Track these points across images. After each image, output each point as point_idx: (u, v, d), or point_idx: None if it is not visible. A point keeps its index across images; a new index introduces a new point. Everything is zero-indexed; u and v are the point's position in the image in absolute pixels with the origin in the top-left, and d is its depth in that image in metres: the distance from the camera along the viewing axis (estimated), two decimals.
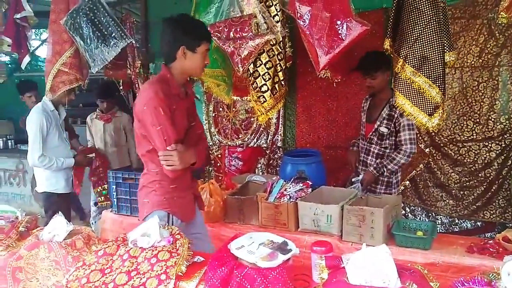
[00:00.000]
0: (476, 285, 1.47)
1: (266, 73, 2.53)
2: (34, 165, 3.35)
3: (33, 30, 5.22)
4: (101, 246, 1.87)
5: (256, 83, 2.57)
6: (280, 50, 2.57)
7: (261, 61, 2.52)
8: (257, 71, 2.53)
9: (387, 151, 2.98)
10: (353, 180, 3.02)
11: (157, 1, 4.79)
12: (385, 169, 2.91)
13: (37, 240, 1.98)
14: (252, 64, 2.53)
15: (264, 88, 2.57)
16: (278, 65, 2.58)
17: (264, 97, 2.59)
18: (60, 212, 3.26)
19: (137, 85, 4.50)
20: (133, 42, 3.88)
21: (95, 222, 4.31)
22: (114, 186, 3.11)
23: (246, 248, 1.66)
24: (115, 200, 3.13)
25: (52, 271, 1.84)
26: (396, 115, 2.85)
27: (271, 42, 2.49)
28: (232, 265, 1.62)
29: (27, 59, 3.95)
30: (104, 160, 4.00)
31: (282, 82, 2.64)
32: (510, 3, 2.07)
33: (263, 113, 2.63)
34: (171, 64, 2.05)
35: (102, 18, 2.95)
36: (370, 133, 3.01)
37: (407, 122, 2.82)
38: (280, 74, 2.60)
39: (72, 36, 3.04)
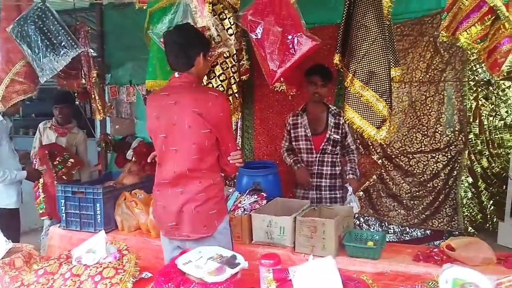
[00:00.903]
0: None
1: (220, 85, 2.54)
2: None
3: None
4: (42, 264, 1.79)
5: None
6: (234, 63, 2.59)
7: (215, 73, 2.53)
8: (211, 83, 2.54)
9: (338, 157, 3.18)
10: (348, 196, 3.04)
11: (113, 11, 4.73)
12: (355, 169, 3.14)
13: None
14: (206, 76, 2.52)
15: None
16: (232, 77, 2.59)
17: None
18: (11, 228, 3.10)
19: (93, 95, 4.37)
20: (89, 51, 3.78)
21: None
22: (63, 201, 2.99)
23: (193, 263, 1.64)
24: (64, 215, 3.00)
25: None
26: (341, 122, 3.10)
27: (224, 55, 2.50)
28: (179, 280, 1.59)
29: None
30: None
31: (236, 95, 2.66)
32: (449, 23, 2.19)
33: None
34: (189, 71, 2.08)
35: (52, 27, 2.85)
36: (323, 144, 3.12)
37: (347, 127, 3.13)
38: (234, 86, 2.62)
39: (19, 44, 2.92)
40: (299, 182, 3.21)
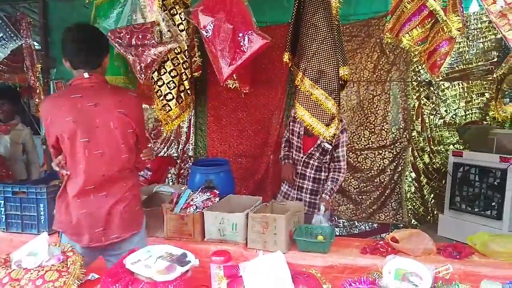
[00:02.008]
0: (362, 285, 1.57)
1: (171, 81, 2.49)
2: None
3: None
4: None
5: (161, 91, 2.51)
6: (186, 59, 2.55)
7: (166, 69, 2.47)
8: (161, 79, 2.48)
9: (326, 164, 3.08)
10: (316, 215, 2.87)
11: (57, 3, 4.50)
12: (334, 192, 3.04)
13: None
14: (156, 72, 2.47)
15: (169, 97, 2.52)
16: (184, 73, 2.55)
17: (169, 105, 2.54)
18: None
19: (38, 90, 4.15)
20: (31, 44, 3.58)
21: None
22: (2, 201, 2.82)
23: (142, 262, 1.60)
24: (3, 216, 2.83)
25: None
26: (338, 132, 2.88)
27: (175, 51, 2.45)
28: (127, 281, 1.54)
29: None
30: None
31: (188, 91, 2.61)
32: (393, 25, 2.30)
33: (169, 122, 2.58)
34: (96, 71, 2.03)
35: None
36: (312, 148, 3.02)
37: (345, 139, 3.00)
38: (186, 83, 2.57)
39: None
40: (283, 177, 3.20)
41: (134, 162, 2.14)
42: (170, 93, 2.48)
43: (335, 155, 3.04)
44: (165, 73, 2.46)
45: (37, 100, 4.23)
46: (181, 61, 2.49)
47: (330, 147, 2.99)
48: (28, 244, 1.79)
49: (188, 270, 1.61)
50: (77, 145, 1.98)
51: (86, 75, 1.99)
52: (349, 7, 3.64)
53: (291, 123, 3.19)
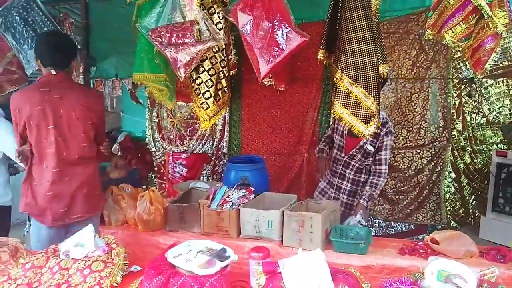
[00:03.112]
0: (403, 285, 1.56)
1: (209, 80, 2.52)
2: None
3: None
4: (29, 258, 1.77)
5: (199, 90, 2.55)
6: (223, 57, 2.58)
7: (204, 68, 2.50)
8: (200, 77, 2.51)
9: (367, 167, 2.97)
10: (352, 221, 2.72)
11: (98, 4, 4.64)
12: (373, 198, 2.94)
13: None
14: (194, 70, 2.50)
15: (207, 95, 2.55)
16: (221, 72, 2.57)
17: (207, 103, 2.57)
18: (3, 225, 3.00)
19: None
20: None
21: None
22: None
23: (183, 256, 1.64)
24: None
25: None
26: (382, 133, 2.82)
27: (213, 49, 2.48)
28: (169, 273, 1.59)
29: None
30: None
31: (225, 89, 2.64)
32: (435, 21, 2.24)
33: (206, 120, 2.61)
34: (63, 71, 2.36)
35: (37, 17, 2.81)
36: (354, 149, 2.93)
37: (389, 142, 2.87)
38: (223, 81, 2.60)
39: (3, 35, 2.86)
40: (317, 169, 3.16)
41: (95, 152, 2.45)
42: (208, 91, 2.52)
43: (377, 157, 2.90)
44: (203, 71, 2.49)
45: None
46: (219, 60, 2.52)
47: (372, 149, 2.87)
48: (75, 236, 1.87)
49: (227, 265, 1.64)
50: (43, 132, 2.28)
51: (53, 72, 2.32)
52: (384, 3, 3.55)
53: (336, 121, 3.08)
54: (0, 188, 3.11)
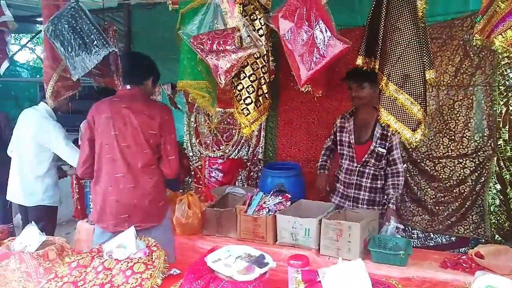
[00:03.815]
0: None
1: (250, 86, 2.53)
2: None
3: (12, 35, 5.12)
4: (75, 257, 1.84)
5: (240, 96, 2.56)
6: (264, 64, 2.58)
7: (245, 74, 2.51)
8: (241, 83, 2.53)
9: (382, 171, 2.94)
10: (386, 226, 2.65)
11: (141, 11, 4.80)
12: (398, 199, 2.92)
13: (7, 250, 1.92)
14: (236, 76, 2.53)
15: (248, 101, 2.56)
16: (262, 78, 2.57)
17: (248, 109, 2.57)
18: (50, 224, 3.15)
19: None
20: (116, 50, 3.84)
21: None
22: (91, 196, 3.05)
23: (222, 261, 1.66)
24: (92, 210, 3.07)
25: (23, 283, 1.79)
26: (389, 134, 2.83)
27: (255, 55, 2.49)
28: (209, 278, 1.61)
29: (5, 64, 3.87)
30: None
31: (266, 95, 2.64)
32: (484, 26, 2.15)
33: (247, 126, 2.61)
34: (138, 87, 2.52)
35: (84, 26, 2.92)
36: (366, 156, 2.90)
37: (398, 140, 2.86)
38: (264, 87, 2.60)
39: (52, 42, 3.00)
40: (317, 186, 3.16)
41: (159, 163, 2.47)
42: (249, 97, 2.53)
43: (390, 158, 2.89)
44: (244, 77, 2.51)
45: None
46: (260, 66, 2.53)
47: (384, 151, 2.85)
48: (117, 237, 1.93)
49: (266, 272, 1.64)
50: (107, 138, 2.39)
51: (128, 87, 2.53)
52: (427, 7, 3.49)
53: (337, 133, 3.07)
54: (50, 189, 3.27)
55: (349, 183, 3.00)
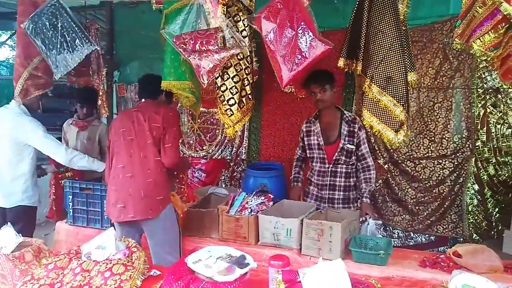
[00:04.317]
0: None
1: (234, 87, 2.53)
2: (67, 162, 3.17)
3: None
4: (52, 259, 1.81)
5: (224, 97, 2.56)
6: (248, 65, 2.58)
7: (229, 75, 2.51)
8: (225, 84, 2.52)
9: (353, 167, 2.99)
10: (369, 228, 2.73)
11: (123, 10, 4.74)
12: (371, 192, 2.99)
13: None
14: (220, 77, 2.52)
15: (231, 102, 2.56)
16: (246, 79, 2.57)
17: (231, 110, 2.57)
18: (29, 225, 3.07)
19: (101, 92, 4.38)
20: (98, 49, 3.78)
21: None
22: (71, 197, 3.01)
23: (203, 262, 1.65)
24: (71, 210, 3.02)
25: None
26: (356, 130, 2.91)
27: (238, 56, 2.49)
28: (189, 279, 1.60)
29: None
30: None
31: (250, 96, 2.64)
32: (463, 30, 2.19)
33: (231, 126, 2.61)
34: (152, 99, 2.76)
35: (65, 23, 2.86)
36: (336, 154, 2.94)
37: (364, 135, 2.96)
38: (248, 88, 2.60)
39: (33, 40, 2.94)
40: (292, 198, 3.13)
41: (158, 154, 2.55)
42: (233, 98, 2.53)
43: (360, 153, 2.97)
44: (228, 78, 2.50)
45: (99, 101, 4.42)
46: (244, 67, 2.53)
47: (353, 147, 2.93)
48: (96, 238, 1.90)
49: (247, 273, 1.63)
50: (117, 135, 2.61)
51: (143, 100, 2.74)
52: (410, 11, 3.54)
53: (305, 138, 3.09)
54: (29, 189, 3.18)
55: (323, 184, 3.02)
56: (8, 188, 3.15)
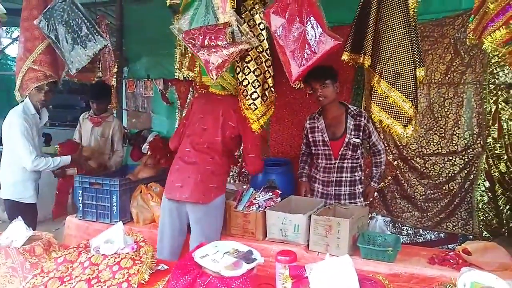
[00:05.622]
0: None
1: (256, 81, 2.50)
2: (32, 169, 3.17)
3: (4, 28, 5.06)
4: (62, 252, 1.83)
5: (246, 91, 2.52)
6: (268, 57, 2.53)
7: (250, 69, 2.49)
8: (246, 79, 2.50)
9: (359, 161, 2.98)
10: (378, 224, 2.73)
11: (133, 6, 4.77)
12: (381, 176, 3.08)
13: None
14: (241, 72, 2.51)
15: (254, 96, 2.51)
16: (267, 71, 2.54)
17: (255, 104, 2.52)
18: (26, 221, 3.11)
19: (111, 88, 4.41)
20: (109, 44, 3.81)
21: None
22: (81, 191, 3.04)
23: (210, 256, 1.65)
24: (81, 205, 3.05)
25: (8, 278, 1.78)
26: (362, 123, 2.89)
27: (258, 49, 2.48)
28: (196, 273, 1.60)
29: None
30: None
31: (272, 89, 2.58)
32: (476, 26, 2.16)
33: (256, 121, 2.57)
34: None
35: (77, 19, 2.88)
36: (342, 149, 2.91)
37: (372, 126, 2.97)
38: (269, 80, 2.55)
39: (47, 37, 2.95)
40: (300, 193, 3.13)
41: (222, 149, 2.64)
42: (255, 92, 2.50)
43: (371, 142, 3.02)
44: (249, 72, 2.48)
45: None
46: (264, 60, 2.50)
47: (359, 141, 2.92)
48: (105, 232, 1.92)
49: (254, 268, 1.64)
50: (194, 117, 2.74)
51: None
52: (421, 5, 3.49)
53: (309, 134, 3.06)
54: (18, 184, 3.23)
55: (329, 181, 3.00)
56: (4, 180, 3.29)
